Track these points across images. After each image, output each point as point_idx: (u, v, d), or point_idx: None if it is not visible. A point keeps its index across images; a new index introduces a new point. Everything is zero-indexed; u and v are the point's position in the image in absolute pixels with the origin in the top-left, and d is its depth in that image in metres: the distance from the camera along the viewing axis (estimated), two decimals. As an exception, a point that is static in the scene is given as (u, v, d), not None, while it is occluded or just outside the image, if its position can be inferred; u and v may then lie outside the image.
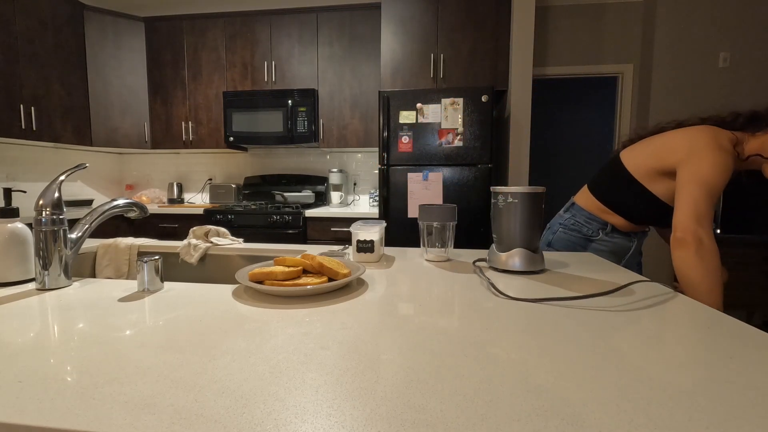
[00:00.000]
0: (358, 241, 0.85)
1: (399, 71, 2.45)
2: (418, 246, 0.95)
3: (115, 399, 0.32)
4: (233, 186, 2.94)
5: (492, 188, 0.83)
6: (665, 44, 2.73)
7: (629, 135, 1.11)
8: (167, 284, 0.67)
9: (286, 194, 2.80)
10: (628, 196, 1.02)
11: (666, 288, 0.66)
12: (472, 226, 2.14)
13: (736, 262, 2.51)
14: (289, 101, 2.60)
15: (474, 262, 0.85)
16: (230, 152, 3.11)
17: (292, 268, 0.64)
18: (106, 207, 0.74)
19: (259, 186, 2.99)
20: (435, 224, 0.87)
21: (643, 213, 1.02)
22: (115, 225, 2.59)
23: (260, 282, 0.61)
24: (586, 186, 1.17)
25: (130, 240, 1.08)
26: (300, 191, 2.85)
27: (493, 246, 0.83)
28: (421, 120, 2.12)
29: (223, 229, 1.12)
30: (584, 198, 1.14)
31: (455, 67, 2.40)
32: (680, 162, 0.89)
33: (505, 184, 2.44)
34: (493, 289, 0.64)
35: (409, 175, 2.15)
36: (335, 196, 2.86)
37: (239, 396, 0.32)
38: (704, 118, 0.98)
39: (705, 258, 0.80)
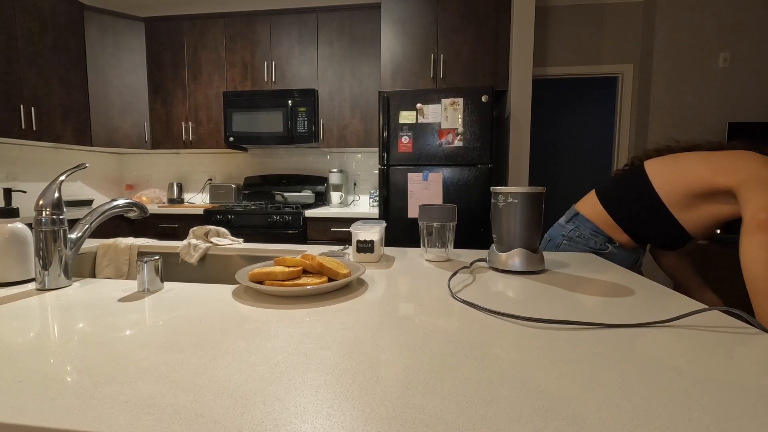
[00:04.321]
0: (358, 241, 0.85)
1: (399, 71, 2.45)
2: (418, 246, 0.95)
3: (115, 399, 0.32)
4: (233, 186, 2.94)
5: (492, 188, 0.83)
6: (665, 44, 2.73)
7: (656, 146, 1.01)
8: (167, 284, 0.67)
9: (286, 194, 2.80)
10: (648, 220, 0.96)
11: (665, 288, 0.66)
12: (472, 226, 2.14)
13: (736, 262, 2.51)
14: (289, 101, 2.60)
15: (471, 263, 0.85)
16: (230, 152, 3.12)
17: (292, 269, 0.64)
18: (106, 207, 0.74)
19: (259, 186, 2.99)
20: (435, 224, 0.87)
21: (657, 237, 0.96)
22: (115, 225, 2.59)
23: (260, 282, 0.61)
24: (593, 194, 1.08)
25: (130, 240, 1.08)
26: (300, 191, 2.85)
27: (493, 246, 0.83)
28: (421, 120, 2.12)
29: (223, 229, 1.12)
30: (591, 208, 1.05)
31: (455, 67, 2.40)
32: (737, 184, 0.81)
33: (505, 184, 2.44)
34: (449, 290, 0.64)
35: (409, 175, 2.15)
36: (335, 196, 2.86)
37: (239, 396, 0.32)
38: (751, 143, 0.89)
39: None
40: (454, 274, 0.74)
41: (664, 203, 0.93)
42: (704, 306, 0.54)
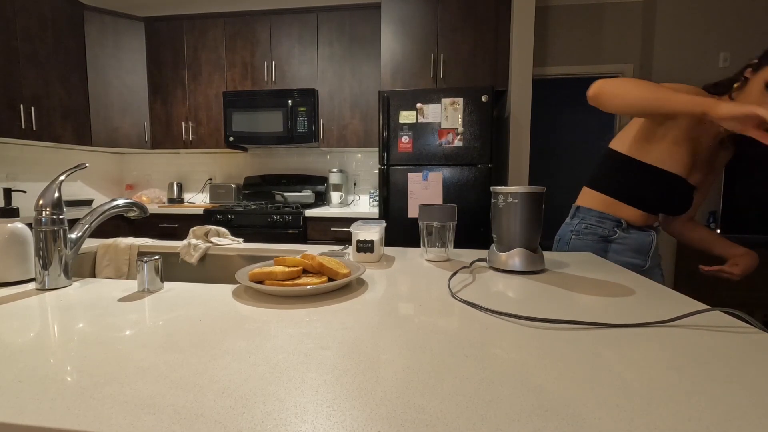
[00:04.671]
0: (358, 241, 0.85)
1: (399, 71, 2.45)
2: (418, 246, 0.95)
3: (115, 399, 0.32)
4: (233, 186, 2.94)
5: (492, 188, 0.83)
6: (665, 44, 2.73)
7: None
8: (167, 284, 0.67)
9: (286, 194, 2.80)
10: (630, 177, 1.00)
11: (666, 288, 0.66)
12: (472, 226, 2.14)
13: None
14: (289, 101, 2.60)
15: (471, 263, 0.85)
16: (230, 152, 3.12)
17: (292, 268, 0.64)
18: (106, 207, 0.74)
19: (259, 186, 2.99)
20: (435, 224, 0.87)
21: (651, 192, 0.98)
22: (115, 225, 2.59)
23: (260, 282, 0.61)
24: (585, 188, 1.12)
25: (130, 240, 1.08)
26: (300, 191, 2.85)
27: (493, 246, 0.83)
28: (421, 120, 2.12)
29: (223, 229, 1.12)
30: (588, 198, 1.09)
31: (455, 67, 2.40)
32: None
33: (505, 184, 2.44)
34: (449, 290, 0.64)
35: (409, 175, 2.15)
36: (335, 196, 2.86)
37: (239, 396, 0.32)
38: None
39: (619, 81, 0.84)
40: (454, 274, 0.74)
41: (630, 156, 1.00)
42: (705, 306, 0.54)
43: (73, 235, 0.69)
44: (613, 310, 0.55)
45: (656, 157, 0.96)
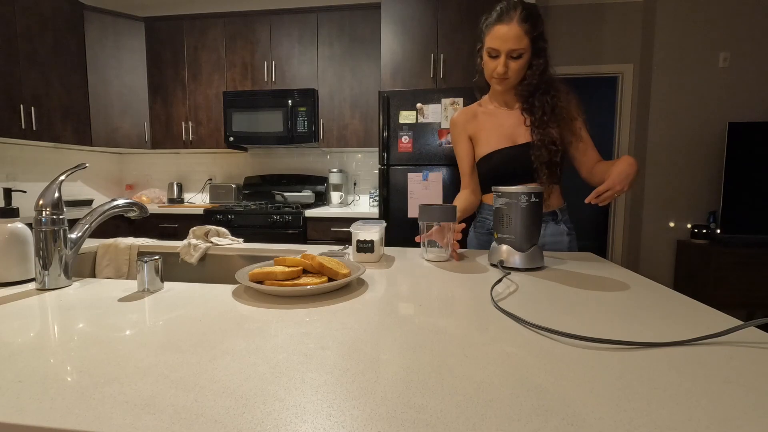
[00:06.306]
0: (358, 241, 0.85)
1: (399, 71, 2.45)
2: (418, 246, 0.95)
3: (115, 399, 0.32)
4: (233, 186, 2.94)
5: (492, 188, 0.83)
6: (665, 44, 2.73)
7: None
8: (167, 284, 0.67)
9: (286, 194, 2.80)
10: (482, 173, 1.15)
11: (663, 287, 0.66)
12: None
13: (736, 262, 2.51)
14: (289, 101, 2.60)
15: (495, 264, 0.84)
16: (230, 152, 3.12)
17: (292, 268, 0.64)
18: (106, 207, 0.74)
19: (259, 186, 2.99)
20: (435, 224, 0.87)
21: (500, 169, 1.10)
22: (115, 225, 2.59)
23: (260, 282, 0.61)
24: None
25: (130, 240, 1.08)
26: (300, 191, 2.85)
27: (494, 245, 0.83)
28: (421, 120, 2.12)
29: (223, 229, 1.12)
30: (487, 195, 1.19)
31: (455, 67, 2.40)
32: None
33: (505, 184, 2.44)
34: (493, 302, 0.64)
35: (409, 175, 2.15)
36: (335, 196, 2.86)
37: (239, 396, 0.32)
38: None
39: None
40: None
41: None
42: (735, 324, 0.54)
43: (73, 235, 0.69)
44: (613, 310, 0.55)
45: (478, 152, 1.15)
